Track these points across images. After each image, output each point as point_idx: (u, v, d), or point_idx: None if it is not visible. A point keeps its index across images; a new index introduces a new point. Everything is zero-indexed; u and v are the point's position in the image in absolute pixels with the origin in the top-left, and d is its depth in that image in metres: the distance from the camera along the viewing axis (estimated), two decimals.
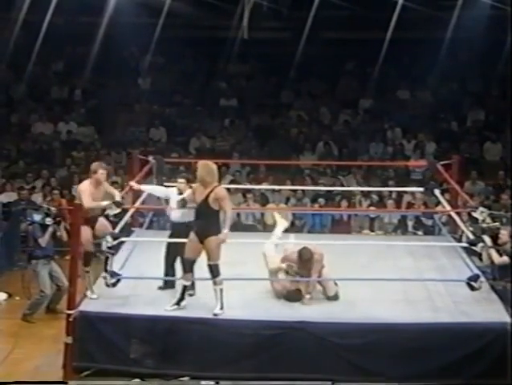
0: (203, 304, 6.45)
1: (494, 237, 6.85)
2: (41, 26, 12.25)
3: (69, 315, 6.12)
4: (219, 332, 6.09)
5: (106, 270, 6.44)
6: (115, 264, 6.64)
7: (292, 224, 10.86)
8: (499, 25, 12.26)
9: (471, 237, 6.82)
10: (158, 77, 14.28)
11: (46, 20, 12.17)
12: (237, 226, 10.76)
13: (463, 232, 7.55)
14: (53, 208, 7.68)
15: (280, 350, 6.05)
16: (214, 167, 6.13)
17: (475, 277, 6.31)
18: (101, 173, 6.64)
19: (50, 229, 7.42)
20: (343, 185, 11.45)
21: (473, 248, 6.59)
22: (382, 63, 13.20)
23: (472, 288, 6.27)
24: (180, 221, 6.70)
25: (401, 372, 5.97)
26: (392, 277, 6.85)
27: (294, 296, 6.50)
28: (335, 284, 6.66)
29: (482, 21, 12.35)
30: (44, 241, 7.38)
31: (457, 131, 13.27)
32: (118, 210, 6.96)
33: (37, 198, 10.99)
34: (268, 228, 10.78)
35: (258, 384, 5.98)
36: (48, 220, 7.37)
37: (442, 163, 8.82)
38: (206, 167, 6.11)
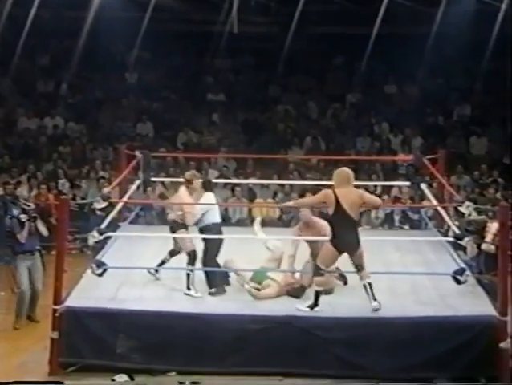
0: (191, 299, 6.46)
1: (481, 230, 6.89)
2: (26, 20, 12.15)
3: (55, 310, 6.09)
4: (206, 327, 6.07)
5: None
6: (104, 258, 6.64)
7: (280, 218, 10.91)
8: (484, 20, 12.33)
9: (457, 231, 6.86)
10: (145, 72, 14.22)
11: (32, 14, 12.07)
12: (225, 221, 10.75)
13: (449, 226, 7.58)
14: (31, 204, 7.53)
15: (267, 345, 6.05)
16: (343, 173, 6.07)
17: (461, 271, 6.34)
18: (196, 183, 6.81)
19: (28, 225, 7.21)
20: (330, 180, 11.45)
21: (459, 242, 6.62)
22: (369, 58, 13.23)
23: (458, 281, 6.30)
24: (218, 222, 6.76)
25: (388, 366, 5.98)
26: (378, 272, 6.86)
27: (298, 292, 6.50)
28: (344, 280, 6.69)
29: (468, 16, 12.42)
30: (22, 236, 7.17)
31: (443, 126, 13.33)
32: (104, 204, 6.95)
33: (22, 192, 10.89)
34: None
35: (246, 379, 5.98)
36: (23, 217, 7.19)
37: (429, 157, 8.85)
38: (336, 172, 6.12)
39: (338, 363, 6.02)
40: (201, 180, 6.91)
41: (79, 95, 13.86)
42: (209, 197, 6.83)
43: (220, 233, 6.73)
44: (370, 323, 6.08)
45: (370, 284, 6.06)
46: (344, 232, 5.96)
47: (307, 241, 6.72)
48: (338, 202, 5.91)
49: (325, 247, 6.05)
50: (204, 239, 6.67)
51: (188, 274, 6.54)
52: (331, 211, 5.98)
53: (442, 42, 12.70)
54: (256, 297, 6.48)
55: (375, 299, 6.05)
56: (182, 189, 6.84)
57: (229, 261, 6.78)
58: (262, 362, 6.02)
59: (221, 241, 6.69)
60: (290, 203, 7.11)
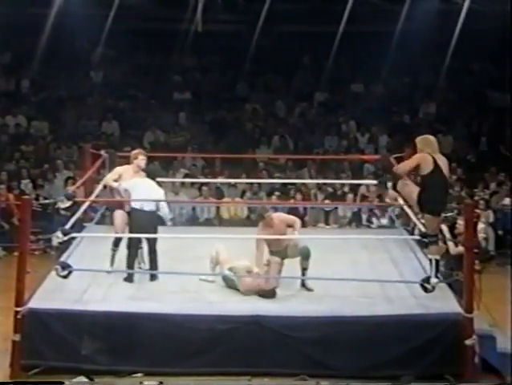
0: (158, 298, 6.38)
1: (450, 227, 6.94)
2: None
3: (17, 312, 5.96)
4: (173, 327, 6.01)
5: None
6: (69, 259, 6.51)
7: (248, 217, 10.87)
8: (449, 18, 12.49)
9: (423, 229, 6.89)
10: (111, 70, 14.03)
11: None
12: (193, 221, 10.68)
13: (415, 224, 7.61)
14: None
15: (235, 345, 6.01)
16: (432, 140, 6.35)
17: (427, 279, 6.36)
18: (141, 159, 6.95)
19: None
20: (298, 178, 11.48)
21: (425, 240, 6.64)
22: (337, 57, 13.28)
23: (425, 289, 6.32)
24: (142, 208, 6.69)
25: (357, 364, 5.98)
26: (346, 272, 6.90)
27: (269, 294, 6.47)
28: None
29: (433, 14, 12.58)
30: None
31: (409, 124, 13.44)
32: (68, 204, 6.81)
33: None
34: (224, 222, 10.75)
35: (214, 379, 5.91)
36: None
37: (395, 156, 8.89)
38: (427, 139, 6.36)
39: (307, 362, 6.01)
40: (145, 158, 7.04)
41: (43, 93, 13.60)
42: (144, 181, 6.88)
43: (142, 219, 6.63)
44: (338, 322, 6.07)
45: (437, 260, 6.29)
46: (439, 192, 6.19)
47: (265, 240, 6.72)
48: (436, 164, 6.15)
49: (425, 218, 6.28)
50: (129, 224, 6.80)
51: (113, 252, 6.79)
52: (425, 172, 6.16)
53: (407, 40, 12.78)
54: (239, 286, 6.48)
55: (436, 276, 6.25)
56: (126, 166, 7.01)
57: (215, 256, 6.79)
58: (231, 362, 5.97)
59: (140, 228, 6.63)
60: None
